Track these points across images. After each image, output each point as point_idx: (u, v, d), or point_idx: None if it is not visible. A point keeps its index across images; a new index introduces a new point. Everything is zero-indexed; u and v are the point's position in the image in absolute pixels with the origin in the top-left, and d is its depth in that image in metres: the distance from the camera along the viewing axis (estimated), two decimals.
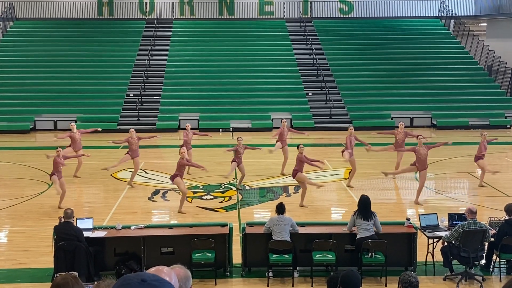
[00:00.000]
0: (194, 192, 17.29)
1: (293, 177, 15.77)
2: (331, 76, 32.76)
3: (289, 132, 20.10)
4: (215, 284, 10.88)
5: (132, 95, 31.11)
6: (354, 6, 39.07)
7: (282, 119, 21.43)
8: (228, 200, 16.62)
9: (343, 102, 30.97)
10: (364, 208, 11.17)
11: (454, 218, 11.82)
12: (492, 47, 35.40)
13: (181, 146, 17.87)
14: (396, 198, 17.58)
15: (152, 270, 2.78)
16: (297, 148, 15.67)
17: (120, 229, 11.58)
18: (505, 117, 30.12)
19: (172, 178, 15.09)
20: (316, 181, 16.39)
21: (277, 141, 19.60)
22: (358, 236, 11.10)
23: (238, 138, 17.86)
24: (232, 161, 17.43)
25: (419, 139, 15.94)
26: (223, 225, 11.77)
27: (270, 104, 30.28)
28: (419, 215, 12.42)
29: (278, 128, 21.28)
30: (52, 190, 16.26)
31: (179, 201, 15.28)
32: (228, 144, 24.78)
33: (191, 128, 19.59)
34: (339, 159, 18.47)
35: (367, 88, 31.63)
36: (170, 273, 2.74)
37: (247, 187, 17.91)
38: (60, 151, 15.47)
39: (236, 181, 18.07)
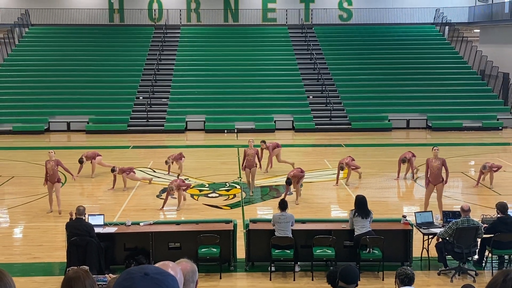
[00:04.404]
0: (200, 190, 17.30)
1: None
2: (331, 80, 32.72)
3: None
4: (220, 278, 10.88)
5: (141, 97, 31.13)
6: (353, 13, 39.05)
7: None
8: (233, 198, 16.60)
9: (342, 105, 30.91)
10: (362, 207, 11.15)
11: (448, 215, 11.81)
12: (485, 53, 35.35)
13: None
14: (392, 196, 17.54)
15: (158, 265, 2.75)
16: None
17: (130, 225, 11.59)
18: (497, 119, 30.04)
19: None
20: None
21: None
22: (356, 233, 11.08)
23: (249, 140, 17.29)
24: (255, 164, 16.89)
25: (434, 150, 14.27)
26: (227, 222, 11.76)
27: (272, 107, 30.25)
28: (414, 212, 12.39)
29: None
30: (65, 188, 16.24)
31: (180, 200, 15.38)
32: (232, 145, 24.85)
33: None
34: (339, 159, 18.40)
35: (366, 91, 31.58)
36: (175, 267, 2.72)
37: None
38: (52, 152, 15.15)
39: (240, 179, 18.05)
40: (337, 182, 17.74)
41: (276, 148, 19.30)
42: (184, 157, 19.19)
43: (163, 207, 15.29)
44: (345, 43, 36.15)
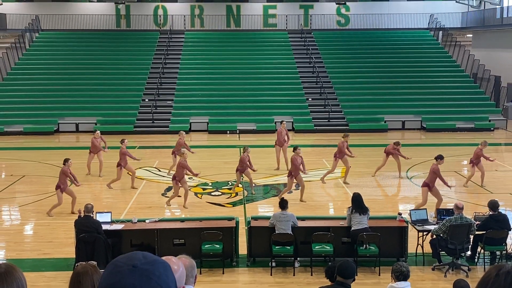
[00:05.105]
0: (204, 189, 17.29)
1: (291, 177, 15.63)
2: (329, 82, 32.71)
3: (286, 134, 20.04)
4: (223, 273, 10.87)
5: (147, 99, 31.13)
6: (351, 19, 39.02)
7: (282, 120, 21.40)
8: (235, 196, 16.60)
9: (340, 106, 30.90)
10: (358, 204, 11.15)
11: (442, 213, 11.80)
12: (477, 57, 35.32)
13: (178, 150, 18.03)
14: (388, 194, 17.52)
15: None
16: (293, 150, 15.63)
17: (136, 222, 11.60)
18: (489, 121, 30.01)
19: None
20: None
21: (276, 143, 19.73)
22: (352, 229, 11.08)
23: (245, 147, 16.94)
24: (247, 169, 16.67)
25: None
26: (230, 219, 11.77)
27: (273, 108, 30.23)
28: (410, 210, 12.39)
29: None
30: (74, 187, 16.21)
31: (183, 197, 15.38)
32: (234, 145, 24.84)
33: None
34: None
35: (363, 93, 31.56)
36: (178, 262, 2.71)
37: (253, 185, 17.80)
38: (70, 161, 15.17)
39: (242, 179, 18.00)
40: (323, 178, 17.82)
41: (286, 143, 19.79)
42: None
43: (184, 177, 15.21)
44: (343, 48, 36.13)
